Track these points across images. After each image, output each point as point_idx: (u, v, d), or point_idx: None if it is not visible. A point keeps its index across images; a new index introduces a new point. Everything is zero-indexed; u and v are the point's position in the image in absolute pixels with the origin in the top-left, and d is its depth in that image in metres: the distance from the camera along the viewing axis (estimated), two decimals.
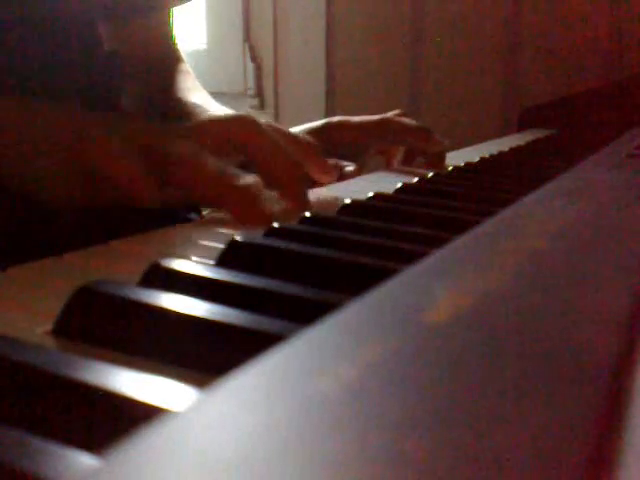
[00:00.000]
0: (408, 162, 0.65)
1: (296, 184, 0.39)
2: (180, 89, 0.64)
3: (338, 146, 0.60)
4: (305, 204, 0.39)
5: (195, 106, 0.61)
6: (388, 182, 0.48)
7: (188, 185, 0.36)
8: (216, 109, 0.60)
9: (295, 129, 0.60)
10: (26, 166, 0.37)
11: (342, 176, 0.58)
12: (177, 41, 0.70)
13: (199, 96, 0.63)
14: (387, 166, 0.64)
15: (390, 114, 0.64)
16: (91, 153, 0.36)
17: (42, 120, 0.39)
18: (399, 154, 0.65)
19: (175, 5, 0.69)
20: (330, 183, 0.47)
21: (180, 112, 0.61)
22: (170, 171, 0.36)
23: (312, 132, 0.59)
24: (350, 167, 0.59)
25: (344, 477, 0.09)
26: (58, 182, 0.37)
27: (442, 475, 0.09)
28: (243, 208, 0.35)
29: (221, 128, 0.40)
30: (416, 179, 0.48)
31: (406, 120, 0.61)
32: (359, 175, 0.58)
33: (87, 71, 0.54)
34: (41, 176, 0.37)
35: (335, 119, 0.61)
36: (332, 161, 0.58)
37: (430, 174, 0.52)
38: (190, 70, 0.69)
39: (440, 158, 0.62)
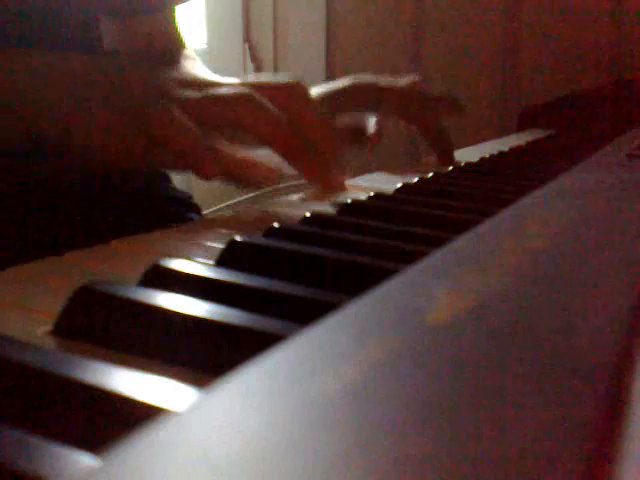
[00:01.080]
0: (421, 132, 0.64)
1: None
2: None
3: (360, 107, 0.60)
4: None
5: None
6: (388, 182, 0.48)
7: (249, 123, 0.38)
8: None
9: (318, 89, 0.60)
10: (86, 119, 0.38)
11: (363, 141, 0.57)
12: (182, 34, 0.70)
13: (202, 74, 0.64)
14: (406, 126, 0.63)
15: (408, 79, 0.63)
16: (154, 122, 0.37)
17: (106, 72, 0.40)
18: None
19: (176, 4, 0.69)
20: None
21: None
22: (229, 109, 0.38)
23: (337, 92, 0.59)
24: (372, 127, 0.57)
25: (345, 477, 0.09)
26: (117, 137, 0.38)
27: (443, 475, 0.09)
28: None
29: (269, 94, 0.40)
30: (416, 179, 0.48)
31: (427, 91, 0.60)
32: (379, 139, 0.56)
33: None
34: (99, 130, 0.38)
35: (361, 78, 0.60)
36: (354, 121, 0.57)
37: (430, 174, 0.52)
38: (195, 55, 0.69)
39: (450, 153, 0.62)
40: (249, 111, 0.38)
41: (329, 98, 0.59)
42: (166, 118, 0.37)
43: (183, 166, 0.39)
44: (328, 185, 0.43)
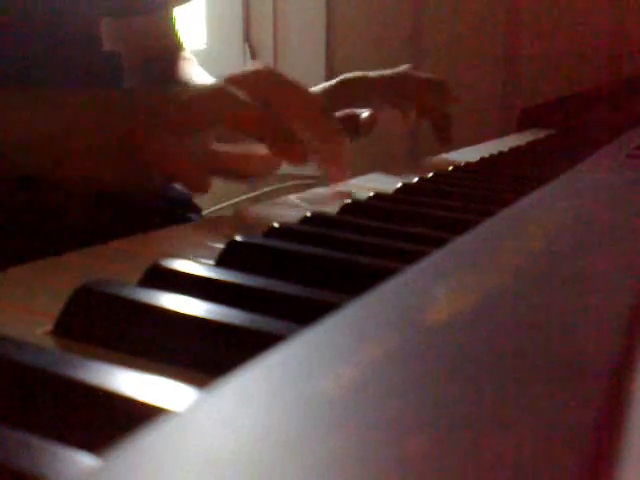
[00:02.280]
0: (421, 116, 0.63)
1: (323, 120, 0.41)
2: (181, 74, 0.64)
3: (354, 101, 0.59)
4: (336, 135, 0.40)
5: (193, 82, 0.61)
6: (388, 182, 0.48)
7: (231, 119, 0.37)
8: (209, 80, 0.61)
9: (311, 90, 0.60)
10: (74, 148, 0.38)
11: (359, 126, 0.56)
12: (180, 35, 0.70)
13: (196, 75, 0.64)
14: (403, 119, 0.63)
15: (402, 68, 0.62)
16: (145, 148, 0.37)
17: (91, 102, 0.39)
18: (413, 110, 0.63)
19: (175, 5, 0.69)
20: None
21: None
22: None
23: (327, 90, 0.59)
24: (365, 113, 0.56)
25: (344, 477, 0.09)
26: (104, 163, 0.38)
27: (442, 475, 0.09)
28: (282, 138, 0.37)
29: (242, 85, 0.39)
30: (416, 179, 0.48)
31: (422, 75, 0.60)
32: (375, 122, 0.55)
33: (87, 71, 0.54)
34: (88, 157, 0.38)
35: (350, 75, 0.60)
36: (347, 111, 0.57)
37: (430, 174, 0.52)
38: (193, 57, 0.69)
39: (447, 124, 0.61)
40: (223, 103, 0.37)
41: (321, 95, 0.58)
42: (155, 143, 0.36)
43: (179, 182, 0.39)
44: (331, 173, 0.42)
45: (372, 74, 0.59)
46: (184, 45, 0.71)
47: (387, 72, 0.60)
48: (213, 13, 1.59)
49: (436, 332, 0.14)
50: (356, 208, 0.37)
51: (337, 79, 0.60)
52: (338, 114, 0.56)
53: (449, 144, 0.54)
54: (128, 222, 0.40)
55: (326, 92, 0.59)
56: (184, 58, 0.68)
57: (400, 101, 0.62)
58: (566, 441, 0.10)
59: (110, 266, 0.27)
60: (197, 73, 0.66)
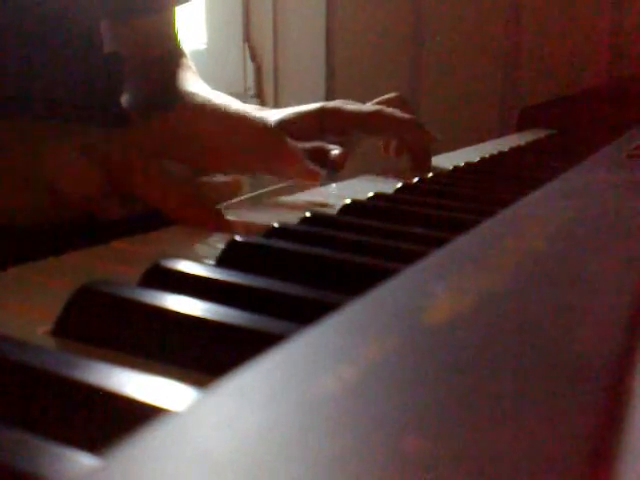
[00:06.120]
0: (399, 152, 0.63)
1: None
2: (179, 82, 0.64)
3: (330, 132, 0.59)
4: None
5: (192, 94, 0.61)
6: (387, 183, 0.48)
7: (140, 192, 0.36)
8: (208, 94, 0.61)
9: (289, 110, 0.59)
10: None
11: (329, 162, 0.55)
12: (180, 38, 0.70)
13: (194, 85, 0.63)
14: (384, 151, 0.63)
15: (387, 97, 0.62)
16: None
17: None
18: (394, 141, 0.63)
19: (176, 5, 0.69)
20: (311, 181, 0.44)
21: (179, 102, 0.61)
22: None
23: (306, 116, 0.58)
24: (335, 151, 0.56)
25: (344, 477, 0.09)
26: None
27: (442, 475, 0.09)
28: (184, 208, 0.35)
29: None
30: (416, 179, 0.48)
31: (398, 113, 0.59)
32: (341, 165, 0.55)
33: (87, 71, 0.55)
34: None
35: (331, 104, 0.59)
36: (317, 144, 0.56)
37: (430, 174, 0.52)
38: (192, 65, 0.69)
39: (425, 157, 0.60)
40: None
41: (295, 121, 0.58)
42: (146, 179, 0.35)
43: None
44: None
45: (350, 107, 0.58)
46: (184, 51, 0.70)
47: (365, 107, 0.59)
48: (213, 13, 1.59)
49: (436, 332, 0.14)
50: (356, 208, 0.37)
51: (316, 105, 0.59)
52: (308, 146, 0.55)
53: (427, 173, 0.53)
54: (128, 222, 0.40)
55: (303, 118, 0.58)
56: (183, 65, 0.68)
57: (379, 137, 0.62)
58: (566, 441, 0.10)
59: (110, 266, 0.27)
60: (191, 79, 0.66)
